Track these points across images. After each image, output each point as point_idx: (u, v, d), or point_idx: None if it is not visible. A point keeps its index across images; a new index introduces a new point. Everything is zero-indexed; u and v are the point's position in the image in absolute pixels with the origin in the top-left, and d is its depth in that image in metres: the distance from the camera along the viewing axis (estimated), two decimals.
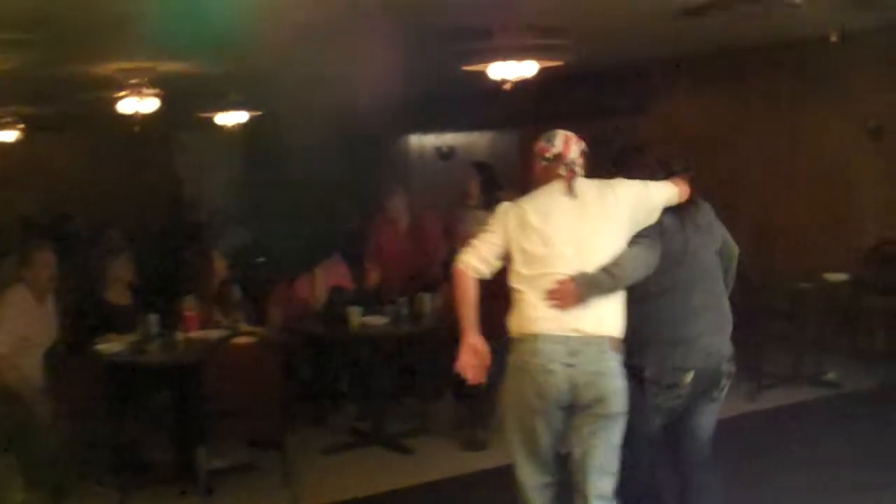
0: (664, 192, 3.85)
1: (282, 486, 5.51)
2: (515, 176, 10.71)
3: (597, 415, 3.65)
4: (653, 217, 3.78)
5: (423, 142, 13.41)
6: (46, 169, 12.97)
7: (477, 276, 3.77)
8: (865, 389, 7.34)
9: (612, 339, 3.66)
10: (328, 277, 7.00)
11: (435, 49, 7.31)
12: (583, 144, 3.85)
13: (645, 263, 3.70)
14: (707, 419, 3.97)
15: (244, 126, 10.20)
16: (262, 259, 9.16)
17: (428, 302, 6.42)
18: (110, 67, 7.51)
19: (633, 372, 3.74)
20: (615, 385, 3.65)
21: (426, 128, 13.16)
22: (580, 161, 3.82)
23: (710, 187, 4.13)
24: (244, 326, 5.97)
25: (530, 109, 10.67)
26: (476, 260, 3.77)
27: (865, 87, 8.07)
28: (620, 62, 9.55)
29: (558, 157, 3.80)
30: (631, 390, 3.69)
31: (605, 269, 3.62)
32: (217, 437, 5.52)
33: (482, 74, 7.10)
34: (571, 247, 3.67)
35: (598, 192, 3.75)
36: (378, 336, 6.30)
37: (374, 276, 7.08)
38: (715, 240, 4.00)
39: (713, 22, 6.68)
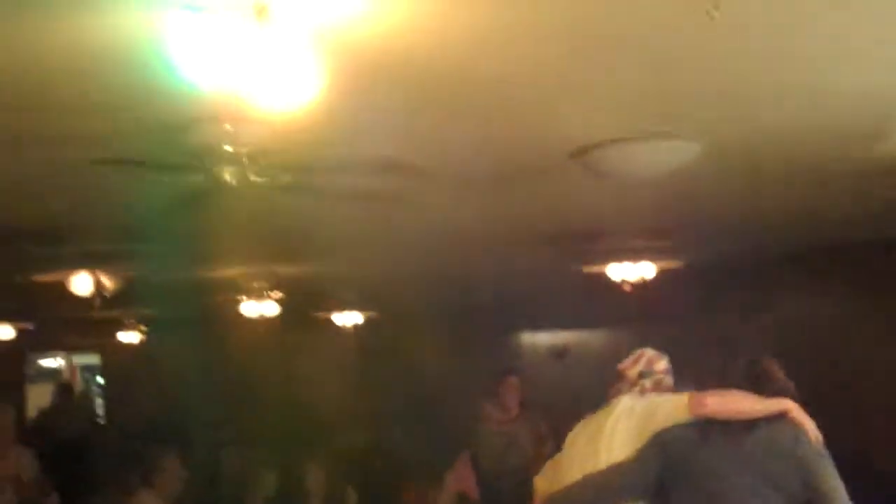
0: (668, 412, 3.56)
1: None
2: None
3: None
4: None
5: (535, 339, 13.18)
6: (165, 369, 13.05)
7: None
8: None
9: None
10: (456, 483, 6.65)
11: (546, 250, 7.31)
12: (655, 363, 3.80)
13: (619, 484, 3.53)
14: None
15: (358, 326, 10.23)
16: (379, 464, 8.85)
17: None
18: (232, 271, 7.67)
19: None
20: None
21: (537, 325, 12.95)
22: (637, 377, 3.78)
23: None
24: None
25: (642, 305, 10.41)
26: None
27: None
28: (742, 256, 9.30)
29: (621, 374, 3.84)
30: None
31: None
32: None
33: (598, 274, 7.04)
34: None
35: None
36: None
37: None
38: (769, 479, 3.31)
39: None
